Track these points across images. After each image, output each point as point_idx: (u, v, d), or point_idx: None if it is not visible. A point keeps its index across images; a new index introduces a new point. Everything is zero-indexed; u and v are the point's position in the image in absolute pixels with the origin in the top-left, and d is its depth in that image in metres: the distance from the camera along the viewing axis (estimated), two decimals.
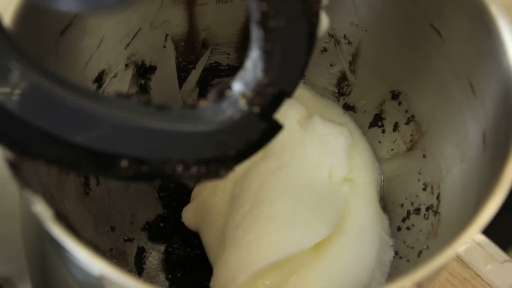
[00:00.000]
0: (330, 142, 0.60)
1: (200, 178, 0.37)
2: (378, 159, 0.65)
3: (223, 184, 0.60)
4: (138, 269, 0.61)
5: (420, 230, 0.56)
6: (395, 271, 0.57)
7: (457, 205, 0.50)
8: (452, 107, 0.52)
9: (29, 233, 0.51)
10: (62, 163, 0.34)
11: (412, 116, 0.60)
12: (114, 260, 0.58)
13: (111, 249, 0.58)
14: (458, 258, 0.65)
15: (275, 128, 0.38)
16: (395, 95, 0.61)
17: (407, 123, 0.61)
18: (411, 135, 0.60)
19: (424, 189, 0.57)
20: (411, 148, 0.61)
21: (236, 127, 0.37)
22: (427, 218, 0.56)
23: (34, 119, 0.32)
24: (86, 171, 0.36)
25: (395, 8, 0.55)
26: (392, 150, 0.64)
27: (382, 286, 0.57)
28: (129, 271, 0.59)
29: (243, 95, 0.36)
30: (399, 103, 0.61)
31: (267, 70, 0.35)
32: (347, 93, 0.67)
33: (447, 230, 0.51)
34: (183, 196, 0.65)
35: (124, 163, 0.34)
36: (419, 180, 0.59)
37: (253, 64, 0.35)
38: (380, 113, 0.64)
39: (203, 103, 0.37)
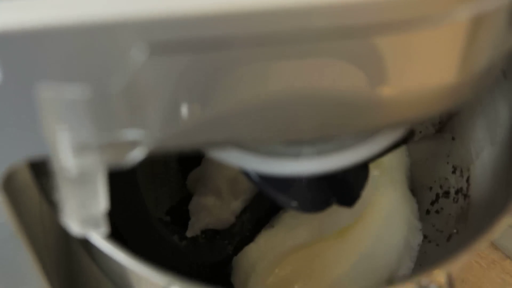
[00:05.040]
0: None
1: None
2: None
3: None
4: None
5: (450, 214, 0.56)
6: (424, 255, 0.57)
7: (488, 188, 0.50)
8: None
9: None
10: None
11: None
12: None
13: None
14: None
15: None
16: None
17: None
18: (440, 116, 0.59)
19: (454, 172, 0.57)
20: (439, 130, 0.60)
21: None
22: (456, 202, 0.56)
23: None
24: None
25: None
26: (420, 132, 0.63)
27: (413, 273, 0.57)
28: None
29: None
30: None
31: None
32: None
33: (477, 214, 0.50)
34: None
35: None
36: (448, 163, 0.58)
37: None
38: None
39: None
